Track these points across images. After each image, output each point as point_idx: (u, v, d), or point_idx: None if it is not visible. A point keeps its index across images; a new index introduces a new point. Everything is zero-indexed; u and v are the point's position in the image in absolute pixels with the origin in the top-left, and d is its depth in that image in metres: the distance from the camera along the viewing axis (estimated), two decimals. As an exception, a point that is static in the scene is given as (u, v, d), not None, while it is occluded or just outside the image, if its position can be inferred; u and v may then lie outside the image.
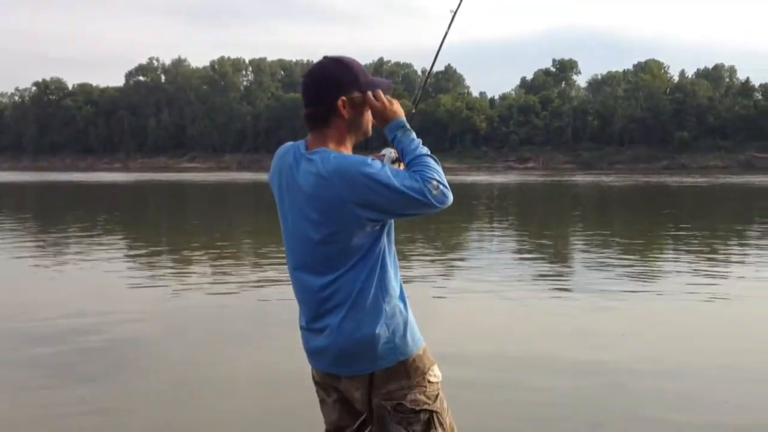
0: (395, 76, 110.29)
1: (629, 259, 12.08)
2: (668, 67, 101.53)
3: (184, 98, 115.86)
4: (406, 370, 2.34)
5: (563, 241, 15.85)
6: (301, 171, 2.32)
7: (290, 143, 2.47)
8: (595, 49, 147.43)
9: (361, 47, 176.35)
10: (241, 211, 26.56)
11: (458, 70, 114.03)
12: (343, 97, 2.33)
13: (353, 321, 2.30)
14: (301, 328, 2.46)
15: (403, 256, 11.04)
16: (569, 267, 11.71)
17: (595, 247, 13.89)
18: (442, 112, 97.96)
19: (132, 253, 13.61)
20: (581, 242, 15.19)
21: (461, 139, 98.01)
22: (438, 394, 2.39)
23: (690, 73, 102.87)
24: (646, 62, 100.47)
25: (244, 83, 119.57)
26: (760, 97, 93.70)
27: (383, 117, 2.46)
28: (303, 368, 2.62)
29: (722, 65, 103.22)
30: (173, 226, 20.28)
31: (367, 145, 2.60)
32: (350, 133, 2.39)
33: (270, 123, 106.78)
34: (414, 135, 2.51)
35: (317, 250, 2.32)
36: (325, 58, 2.41)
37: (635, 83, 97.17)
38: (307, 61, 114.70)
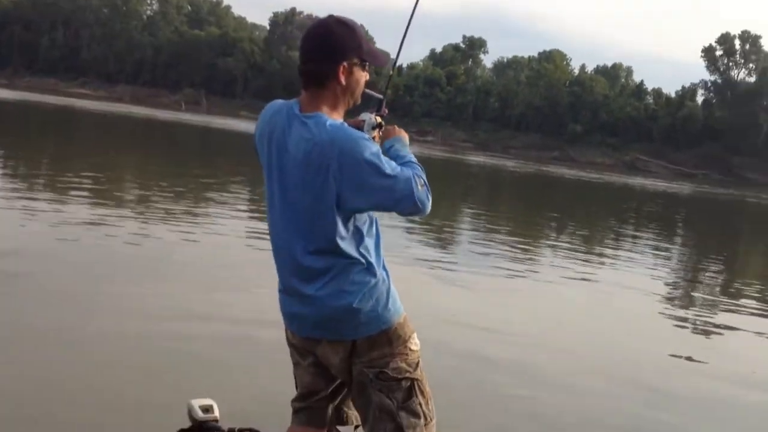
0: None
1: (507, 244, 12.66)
2: (570, 60, 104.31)
3: (82, 19, 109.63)
4: (389, 339, 2.36)
5: (450, 222, 16.20)
6: (293, 134, 2.30)
7: (281, 101, 2.45)
8: (506, 31, 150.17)
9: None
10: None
11: (370, 33, 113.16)
12: (345, 63, 2.33)
13: (337, 289, 2.31)
14: (280, 291, 2.46)
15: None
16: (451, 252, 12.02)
17: (474, 230, 14.39)
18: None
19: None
20: (463, 224, 15.64)
21: (366, 106, 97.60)
22: (418, 362, 2.43)
23: (590, 68, 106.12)
24: (551, 52, 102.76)
25: (148, 12, 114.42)
26: (651, 101, 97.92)
27: (392, 134, 2.58)
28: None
29: (620, 65, 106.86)
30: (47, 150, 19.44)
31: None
32: (344, 99, 2.40)
33: (171, 58, 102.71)
34: (410, 152, 2.53)
35: (303, 216, 2.31)
36: (331, 17, 2.38)
37: (538, 71, 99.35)
38: (216, 0, 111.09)
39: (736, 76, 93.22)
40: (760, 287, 12.61)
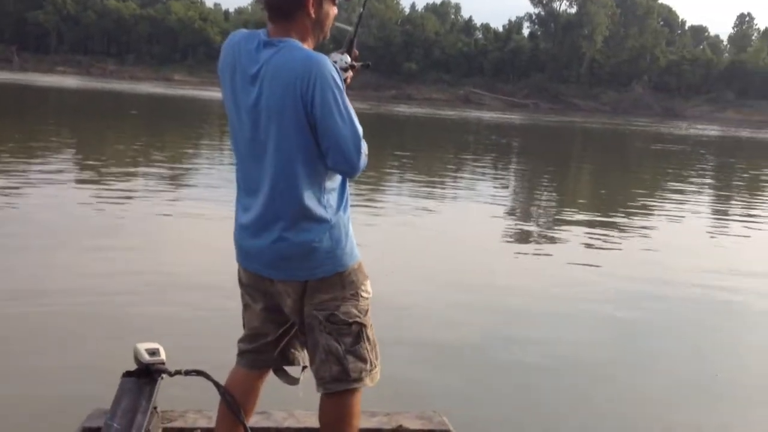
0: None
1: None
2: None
3: None
4: (342, 282, 2.35)
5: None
6: (262, 57, 2.24)
7: (245, 30, 2.36)
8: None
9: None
10: None
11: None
12: None
13: (296, 226, 2.28)
14: (239, 224, 2.41)
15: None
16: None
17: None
18: (173, 20, 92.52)
19: None
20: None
21: (194, 52, 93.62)
22: (368, 309, 2.43)
23: (420, 6, 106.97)
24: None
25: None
26: (480, 36, 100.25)
27: None
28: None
29: (449, 2, 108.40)
30: None
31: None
32: (313, 33, 2.34)
33: None
34: None
35: (267, 145, 2.26)
36: None
37: (369, 11, 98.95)
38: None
39: (558, 8, 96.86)
40: (589, 203, 13.22)
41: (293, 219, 2.28)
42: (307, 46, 2.29)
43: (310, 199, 2.27)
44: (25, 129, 19.14)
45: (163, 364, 2.64)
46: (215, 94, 55.45)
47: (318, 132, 2.22)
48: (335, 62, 2.43)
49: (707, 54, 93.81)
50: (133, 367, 2.63)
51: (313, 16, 2.29)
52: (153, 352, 2.65)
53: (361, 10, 2.66)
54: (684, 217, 11.74)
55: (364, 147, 2.30)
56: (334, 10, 2.38)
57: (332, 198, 2.33)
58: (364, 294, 2.40)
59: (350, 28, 2.55)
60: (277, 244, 2.30)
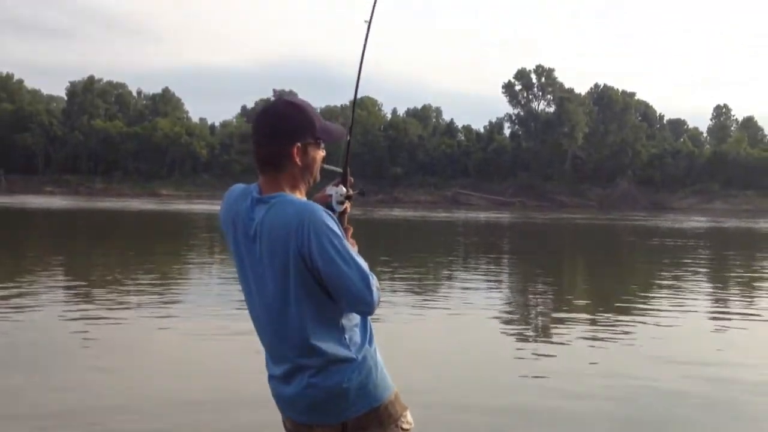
0: (108, 95, 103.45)
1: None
2: (382, 105, 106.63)
3: None
4: (378, 418, 2.32)
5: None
6: (256, 215, 2.29)
7: (242, 185, 2.44)
8: (315, 81, 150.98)
9: (73, 63, 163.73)
10: None
11: (177, 94, 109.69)
12: (298, 144, 2.32)
13: (324, 371, 2.28)
14: (269, 375, 2.42)
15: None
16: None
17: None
18: (160, 136, 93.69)
19: None
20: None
21: (180, 166, 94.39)
22: None
23: (401, 111, 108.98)
24: (361, 99, 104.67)
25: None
26: (462, 137, 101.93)
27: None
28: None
29: (430, 106, 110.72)
30: None
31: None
32: (303, 179, 2.37)
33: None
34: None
35: (278, 299, 2.28)
36: (280, 99, 2.41)
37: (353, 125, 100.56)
38: (6, 73, 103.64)
39: (537, 107, 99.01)
40: (587, 300, 13.03)
41: (319, 365, 2.28)
42: (299, 194, 2.36)
43: (330, 344, 2.28)
44: (6, 254, 18.64)
45: None
46: (202, 206, 55.49)
47: (324, 280, 2.22)
48: (330, 195, 2.53)
49: (688, 146, 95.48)
50: None
51: (300, 163, 2.33)
52: None
53: (348, 138, 2.63)
54: (690, 312, 11.44)
55: (374, 281, 2.26)
56: (320, 154, 2.40)
57: (355, 335, 2.34)
58: (404, 425, 2.38)
59: (339, 169, 2.59)
60: (307, 391, 2.30)
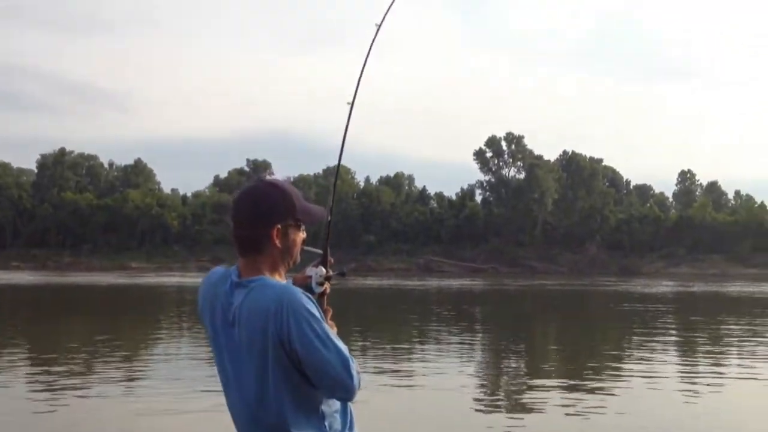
0: (78, 167, 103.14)
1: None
2: (355, 173, 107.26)
3: None
4: None
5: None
6: (235, 300, 2.25)
7: (221, 269, 2.41)
8: (288, 151, 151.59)
9: (44, 135, 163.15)
10: None
11: (149, 164, 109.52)
12: (278, 226, 2.30)
13: None
14: None
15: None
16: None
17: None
18: (131, 208, 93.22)
19: None
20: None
21: (151, 237, 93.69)
22: None
23: (374, 179, 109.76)
24: (335, 167, 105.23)
25: None
26: (435, 204, 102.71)
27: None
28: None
29: (402, 174, 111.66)
30: None
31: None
32: (283, 261, 2.35)
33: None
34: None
35: (256, 385, 2.23)
36: (261, 181, 2.40)
37: (325, 187, 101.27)
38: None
39: (507, 174, 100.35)
40: (559, 368, 13.26)
41: None
42: (278, 276, 2.33)
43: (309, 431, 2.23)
44: None
45: None
46: (172, 279, 54.88)
47: (304, 365, 2.17)
48: (310, 277, 2.53)
49: (655, 211, 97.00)
50: None
51: (280, 246, 2.31)
52: None
53: (329, 218, 2.68)
54: (660, 378, 11.67)
55: (354, 365, 2.21)
56: (300, 236, 2.39)
57: (335, 422, 2.28)
58: None
59: (319, 251, 2.60)
60: None
